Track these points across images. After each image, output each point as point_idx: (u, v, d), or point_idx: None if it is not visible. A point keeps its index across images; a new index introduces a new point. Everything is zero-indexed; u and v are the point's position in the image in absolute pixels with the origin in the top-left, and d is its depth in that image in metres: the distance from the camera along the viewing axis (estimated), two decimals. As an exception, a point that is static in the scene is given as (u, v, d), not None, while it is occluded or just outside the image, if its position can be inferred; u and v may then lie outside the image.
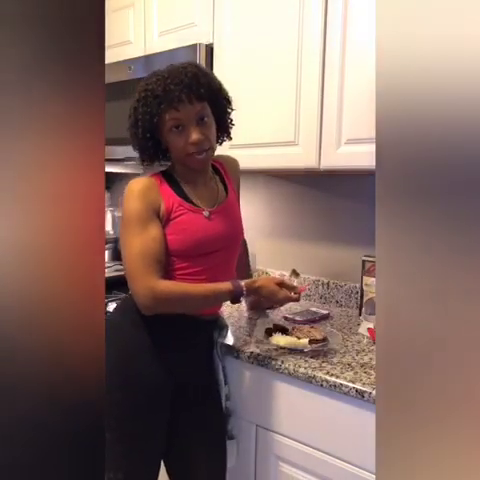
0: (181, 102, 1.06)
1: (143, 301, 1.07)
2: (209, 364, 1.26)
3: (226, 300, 1.17)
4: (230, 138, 1.25)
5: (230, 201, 1.24)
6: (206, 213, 1.16)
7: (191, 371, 1.21)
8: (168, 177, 1.17)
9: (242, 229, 1.30)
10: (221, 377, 1.27)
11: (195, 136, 1.09)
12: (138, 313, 1.12)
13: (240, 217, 1.29)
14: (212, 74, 1.16)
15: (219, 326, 1.28)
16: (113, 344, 1.09)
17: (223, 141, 1.24)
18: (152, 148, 1.15)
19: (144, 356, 1.14)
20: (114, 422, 1.09)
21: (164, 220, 1.12)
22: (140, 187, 1.12)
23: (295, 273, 1.43)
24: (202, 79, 1.09)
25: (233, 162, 1.33)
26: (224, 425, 1.28)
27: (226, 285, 1.13)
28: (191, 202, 1.16)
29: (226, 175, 1.28)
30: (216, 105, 1.15)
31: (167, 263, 1.12)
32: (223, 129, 1.21)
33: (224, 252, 1.19)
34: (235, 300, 1.16)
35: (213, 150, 1.16)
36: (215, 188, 1.23)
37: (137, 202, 1.10)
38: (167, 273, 1.12)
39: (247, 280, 1.17)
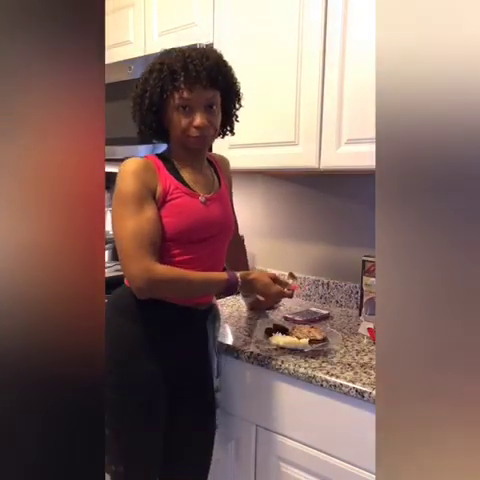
0: (197, 83, 1.05)
1: (138, 283, 1.04)
2: (203, 355, 1.25)
3: (220, 289, 1.15)
4: (233, 133, 1.25)
5: (223, 192, 1.25)
6: (202, 198, 1.15)
7: (185, 361, 1.20)
8: (164, 160, 1.16)
9: (234, 221, 1.31)
10: (215, 368, 1.27)
11: (200, 120, 1.08)
12: (129, 305, 1.11)
13: (232, 211, 1.31)
14: (231, 67, 1.15)
15: (213, 315, 1.27)
16: (105, 341, 1.08)
17: (225, 135, 1.24)
18: (154, 123, 1.13)
19: (138, 350, 1.13)
20: (112, 418, 1.09)
21: (160, 202, 1.10)
22: (136, 166, 1.09)
23: (292, 276, 1.43)
24: (222, 67, 1.10)
25: (225, 160, 1.35)
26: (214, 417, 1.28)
27: (222, 274, 1.13)
28: (188, 186, 1.15)
29: (219, 170, 1.29)
30: (227, 97, 1.15)
31: (159, 248, 1.10)
32: (228, 123, 1.21)
33: (216, 241, 1.19)
34: (229, 291, 1.14)
35: (214, 137, 1.17)
36: (210, 177, 1.23)
37: (133, 181, 1.07)
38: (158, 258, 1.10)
39: (242, 272, 1.17)
